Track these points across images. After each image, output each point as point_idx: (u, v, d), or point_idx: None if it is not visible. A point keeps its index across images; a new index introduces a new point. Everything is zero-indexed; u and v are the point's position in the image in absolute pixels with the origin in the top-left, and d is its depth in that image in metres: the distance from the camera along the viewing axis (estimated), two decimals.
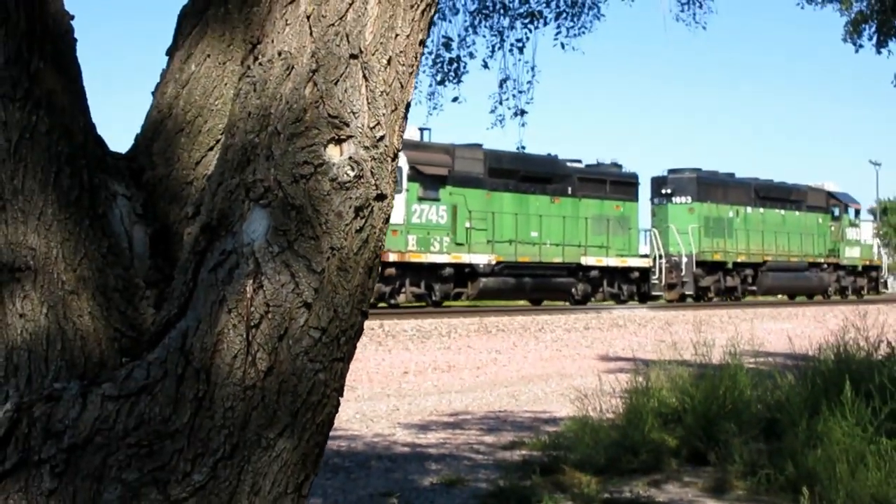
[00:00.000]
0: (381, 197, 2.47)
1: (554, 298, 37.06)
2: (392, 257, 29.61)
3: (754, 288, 45.85)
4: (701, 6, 12.24)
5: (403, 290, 31.00)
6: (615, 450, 8.40)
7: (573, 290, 36.47)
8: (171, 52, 3.01)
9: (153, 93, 3.00)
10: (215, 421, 2.34)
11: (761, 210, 46.39)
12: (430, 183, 31.65)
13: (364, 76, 2.45)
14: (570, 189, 36.53)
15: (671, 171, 44.12)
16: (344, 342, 2.45)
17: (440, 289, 31.74)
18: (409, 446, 9.88)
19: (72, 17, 2.85)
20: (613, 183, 38.62)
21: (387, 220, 2.53)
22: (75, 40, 2.84)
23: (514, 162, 34.21)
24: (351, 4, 2.46)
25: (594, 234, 37.04)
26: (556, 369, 18.18)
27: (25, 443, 2.31)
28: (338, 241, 2.41)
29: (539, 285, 34.98)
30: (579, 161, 38.40)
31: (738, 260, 44.57)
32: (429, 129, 32.30)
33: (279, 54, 2.47)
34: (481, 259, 32.62)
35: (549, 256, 35.13)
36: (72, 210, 2.59)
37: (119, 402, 2.33)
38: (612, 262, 37.75)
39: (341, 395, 2.50)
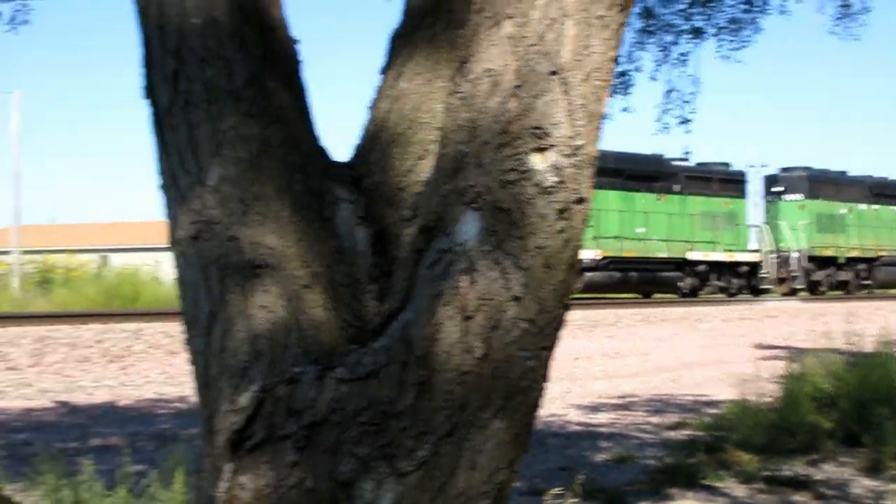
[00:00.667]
0: (580, 200, 2.71)
1: (660, 291, 37.89)
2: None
3: (868, 282, 46.64)
4: (855, 20, 12.09)
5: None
6: (773, 431, 8.71)
7: (680, 283, 37.45)
8: (384, 71, 3.32)
9: (369, 108, 3.31)
10: (436, 403, 2.62)
11: (876, 207, 47.48)
12: None
13: (563, 91, 2.69)
14: (676, 186, 38.03)
15: (783, 170, 45.54)
16: (549, 332, 2.71)
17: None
18: (582, 425, 10.31)
19: (296, 42, 3.18)
20: (721, 181, 40.21)
21: (585, 221, 2.77)
22: (301, 62, 3.16)
23: (619, 162, 35.04)
24: (550, 26, 2.70)
25: (701, 229, 38.33)
26: (715, 356, 18.41)
27: (270, 420, 2.64)
28: (542, 241, 2.66)
29: (645, 279, 36.29)
30: (686, 159, 38.95)
31: (851, 255, 45.54)
32: None
33: (485, 72, 2.73)
34: (587, 254, 32.97)
35: (655, 251, 36.55)
36: (303, 213, 2.91)
37: (351, 385, 2.64)
38: (720, 256, 38.96)
39: (546, 381, 2.76)
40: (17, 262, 37.19)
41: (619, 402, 12.57)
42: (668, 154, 38.93)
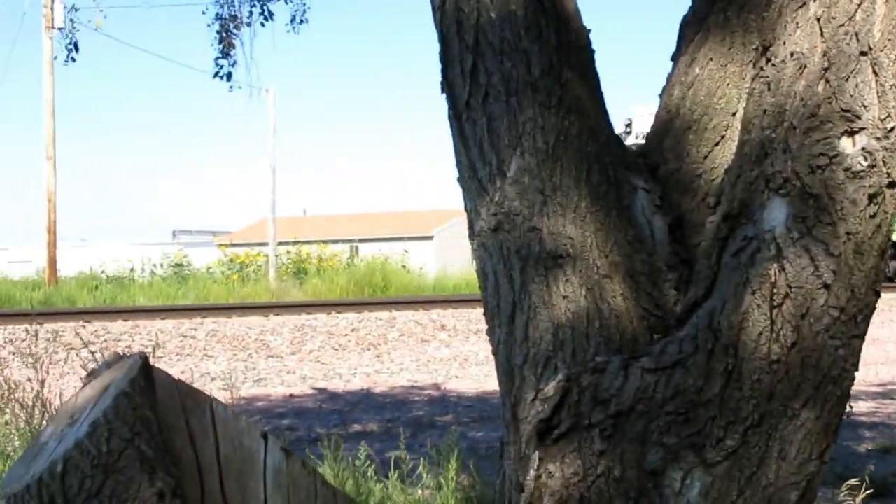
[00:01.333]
0: (892, 184, 2.62)
1: None
2: None
3: None
4: None
5: None
6: None
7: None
8: (675, 58, 3.30)
9: (660, 95, 3.29)
10: (743, 392, 2.59)
11: None
12: None
13: (874, 71, 2.60)
14: None
15: None
16: (860, 320, 2.63)
17: None
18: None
19: (589, 31, 3.19)
20: None
21: None
22: (593, 52, 3.17)
23: None
24: (859, 5, 2.62)
25: None
26: None
27: (576, 409, 2.66)
28: (853, 227, 2.59)
29: None
30: None
31: None
32: None
33: (791, 55, 2.68)
34: None
35: None
36: (601, 203, 2.92)
37: (656, 374, 2.63)
38: None
39: (857, 370, 2.69)
40: (274, 253, 38.71)
41: (880, 390, 12.13)
42: None
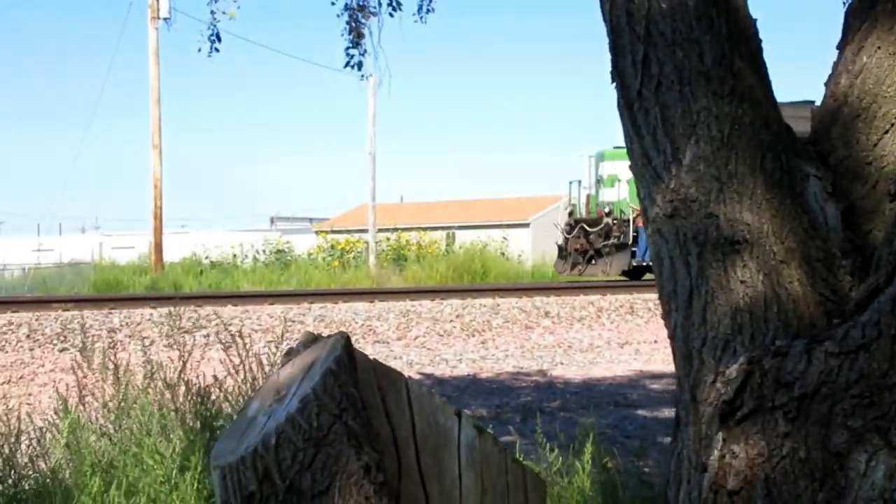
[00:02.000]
0: None
1: None
2: None
3: None
4: None
5: None
6: None
7: None
8: (841, 47, 3.33)
9: (826, 84, 3.33)
10: None
11: None
12: None
13: None
14: None
15: None
16: None
17: None
18: None
19: (755, 20, 3.23)
20: None
21: None
22: (761, 41, 3.21)
23: None
24: None
25: None
26: None
27: (759, 391, 2.71)
28: None
29: None
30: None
31: None
32: None
33: None
34: None
35: None
36: (775, 190, 2.97)
37: (840, 358, 2.67)
38: None
39: None
40: (374, 240, 39.04)
41: None
42: None
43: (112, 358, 7.06)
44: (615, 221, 27.81)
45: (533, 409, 11.26)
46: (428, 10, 9.53)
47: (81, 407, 6.61)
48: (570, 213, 29.58)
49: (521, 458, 6.15)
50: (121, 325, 16.54)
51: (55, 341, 15.79)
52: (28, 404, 6.71)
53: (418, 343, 17.52)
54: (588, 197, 30.10)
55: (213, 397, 6.89)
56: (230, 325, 16.71)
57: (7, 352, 15.14)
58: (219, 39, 9.79)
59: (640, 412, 11.23)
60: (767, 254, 2.90)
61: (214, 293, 20.94)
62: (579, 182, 30.18)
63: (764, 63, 3.19)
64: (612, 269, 27.70)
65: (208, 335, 16.47)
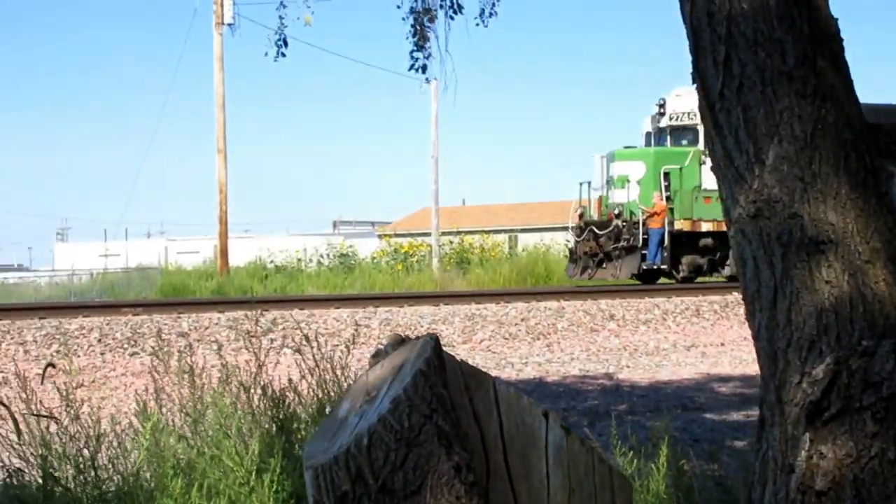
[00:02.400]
0: None
1: None
2: (706, 227, 27.25)
3: None
4: None
5: (728, 262, 27.26)
6: None
7: None
8: None
9: None
10: None
11: None
12: None
13: None
14: None
15: None
16: None
17: None
18: None
19: (836, 20, 3.22)
20: None
21: None
22: (843, 40, 3.20)
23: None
24: None
25: None
26: None
27: (846, 391, 2.71)
28: None
29: None
30: None
31: None
32: None
33: None
34: None
35: None
36: (860, 190, 2.96)
37: None
38: None
39: None
40: (437, 243, 39.15)
41: None
42: None
43: (187, 361, 7.16)
44: (625, 223, 27.06)
45: (600, 413, 11.24)
46: (491, 14, 9.56)
47: (158, 410, 6.71)
48: (581, 216, 28.69)
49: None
50: (189, 329, 16.74)
51: (125, 345, 16.02)
52: (100, 408, 6.82)
53: (484, 347, 17.55)
54: (600, 198, 29.33)
55: (287, 400, 6.96)
56: (297, 329, 16.85)
57: (79, 356, 15.37)
58: (285, 44, 9.89)
59: (708, 415, 11.18)
60: (853, 254, 2.89)
61: (281, 297, 21.13)
62: (589, 183, 29.31)
63: (845, 62, 3.18)
64: (621, 272, 26.94)
65: (275, 339, 16.61)
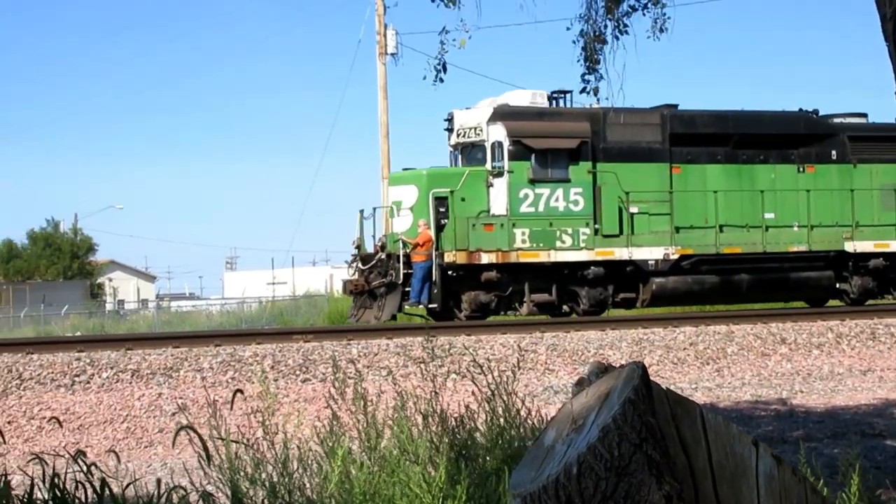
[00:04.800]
0: None
1: (795, 298, 27.16)
2: (487, 258, 22.76)
3: None
4: None
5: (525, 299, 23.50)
6: None
7: (839, 285, 26.18)
8: None
9: None
10: None
11: None
12: (550, 160, 23.46)
13: None
14: (837, 153, 26.11)
15: None
16: None
17: (589, 295, 23.61)
18: None
19: None
20: None
21: None
22: None
23: (725, 124, 25.19)
24: None
25: (883, 209, 26.23)
26: None
27: None
28: None
29: (765, 282, 25.22)
30: (863, 115, 27.57)
31: None
32: (569, 93, 24.45)
33: None
34: (651, 254, 24.24)
35: (785, 244, 25.28)
36: None
37: None
38: None
39: None
40: None
41: None
42: (825, 111, 27.52)
43: (361, 387, 7.27)
44: (390, 256, 23.05)
45: (775, 440, 11.01)
46: (662, 30, 9.50)
47: (338, 436, 6.83)
48: (358, 247, 24.62)
49: None
50: (359, 356, 16.98)
51: (298, 372, 16.33)
52: (276, 433, 6.97)
53: (652, 372, 17.27)
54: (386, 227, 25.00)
55: (465, 426, 7.00)
56: (464, 354, 16.94)
57: (253, 382, 15.73)
58: (444, 69, 10.00)
59: (890, 442, 10.84)
60: None
61: (448, 324, 21.25)
62: (361, 212, 24.99)
63: None
64: (383, 313, 22.63)
65: (443, 365, 16.73)
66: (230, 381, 15.72)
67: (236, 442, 6.43)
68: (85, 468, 5.89)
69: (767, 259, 25.06)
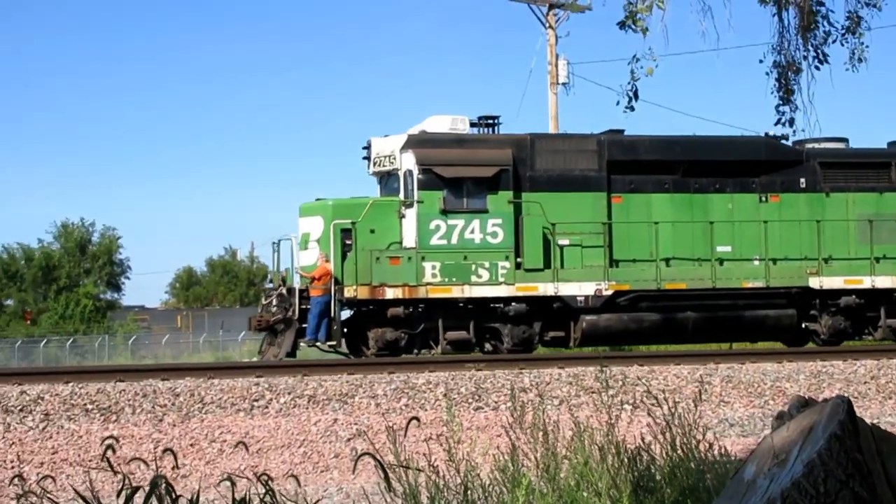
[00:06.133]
0: None
1: (753, 338, 24.69)
2: (392, 293, 21.04)
3: None
4: None
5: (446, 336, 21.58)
6: None
7: (810, 325, 23.55)
8: None
9: None
10: None
11: None
12: (466, 189, 21.75)
13: None
14: (806, 181, 23.75)
15: None
16: None
17: (512, 333, 21.70)
18: None
19: None
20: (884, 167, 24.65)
21: None
22: None
23: (671, 150, 23.18)
24: None
25: (860, 242, 23.66)
26: None
27: None
28: None
29: (716, 320, 22.74)
30: (842, 140, 24.96)
31: None
32: (496, 118, 23.13)
33: None
34: (580, 289, 21.96)
35: (738, 279, 22.91)
36: None
37: None
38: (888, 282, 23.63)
39: None
40: None
41: None
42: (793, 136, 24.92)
43: (540, 417, 7.26)
44: (289, 291, 21.67)
45: None
46: (861, 59, 9.26)
47: (513, 466, 6.84)
48: (271, 280, 23.56)
49: None
50: (531, 385, 16.97)
51: (470, 400, 16.41)
52: (460, 460, 7.03)
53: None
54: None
55: (643, 459, 6.93)
56: (636, 385, 16.77)
57: (426, 410, 15.87)
58: (636, 97, 9.92)
59: None
60: None
61: (620, 354, 21.09)
62: (274, 243, 23.27)
63: None
64: (281, 350, 21.21)
65: (616, 395, 16.59)
66: (403, 408, 15.89)
67: (418, 469, 6.50)
68: (268, 490, 6.04)
69: (718, 296, 22.70)
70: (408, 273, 21.11)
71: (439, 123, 22.41)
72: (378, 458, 6.33)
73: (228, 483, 6.34)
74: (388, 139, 22.50)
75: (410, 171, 21.67)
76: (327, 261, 21.14)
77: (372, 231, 21.41)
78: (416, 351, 21.44)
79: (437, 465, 6.78)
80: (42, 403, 15.03)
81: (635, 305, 22.23)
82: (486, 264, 21.46)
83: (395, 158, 22.01)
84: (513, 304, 21.55)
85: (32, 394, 15.25)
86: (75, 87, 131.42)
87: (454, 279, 21.33)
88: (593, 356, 20.18)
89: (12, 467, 13.38)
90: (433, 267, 21.22)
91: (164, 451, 6.36)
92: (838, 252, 23.60)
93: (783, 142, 23.31)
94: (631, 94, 9.90)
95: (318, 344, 21.30)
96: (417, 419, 7.01)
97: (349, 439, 14.43)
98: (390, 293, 21.01)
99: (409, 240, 21.50)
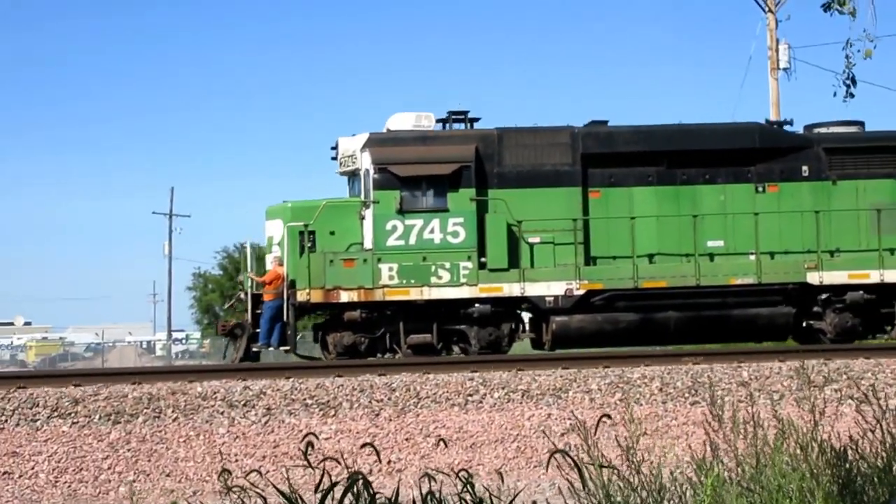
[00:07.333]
0: None
1: (746, 338, 22.20)
2: (347, 296, 20.30)
3: None
4: None
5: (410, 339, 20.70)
6: None
7: (814, 323, 21.54)
8: None
9: None
10: None
11: None
12: (425, 188, 20.92)
13: None
14: (810, 169, 21.77)
15: None
16: None
17: (478, 335, 20.63)
18: None
19: None
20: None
21: None
22: None
23: (653, 141, 21.63)
24: None
25: (871, 233, 21.55)
26: None
27: None
28: None
29: (700, 320, 21.08)
30: (857, 124, 22.72)
31: None
32: (465, 114, 22.00)
33: None
34: (549, 289, 20.75)
35: (725, 276, 21.22)
36: None
37: None
38: None
39: None
40: None
41: None
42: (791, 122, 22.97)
43: (747, 413, 7.10)
44: (247, 295, 21.17)
45: None
46: None
47: (716, 463, 6.71)
48: (242, 283, 22.83)
49: None
50: (750, 379, 16.61)
51: (686, 394, 16.19)
52: (663, 457, 6.92)
53: None
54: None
55: (849, 458, 6.70)
56: (862, 378, 16.18)
57: (641, 404, 15.74)
58: (854, 83, 9.52)
59: None
60: None
61: (845, 346, 20.28)
62: (243, 245, 22.70)
63: None
64: (238, 355, 20.86)
65: (840, 389, 16.07)
66: (618, 402, 15.78)
67: (610, 467, 6.47)
68: (466, 486, 6.13)
69: (702, 294, 21.21)
70: (363, 275, 20.58)
71: (403, 121, 21.85)
72: (570, 456, 6.34)
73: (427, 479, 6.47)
74: (352, 139, 22.04)
75: (367, 171, 21.21)
76: (280, 264, 20.98)
77: (332, 233, 21.09)
78: (378, 355, 20.90)
79: (646, 462, 6.72)
80: (264, 398, 15.60)
81: (612, 305, 21.12)
82: (447, 265, 20.74)
83: (356, 158, 21.63)
84: (476, 305, 20.80)
85: (255, 389, 15.85)
86: None
87: (413, 281, 20.68)
88: (815, 349, 19.54)
89: (236, 460, 13.96)
90: (390, 269, 20.63)
91: (362, 445, 6.52)
92: (846, 244, 21.88)
93: (787, 128, 22.56)
94: (848, 81, 9.50)
95: (270, 348, 21.21)
96: (609, 416, 6.96)
97: (562, 434, 14.44)
98: (345, 296, 20.53)
99: (368, 241, 21.08)
